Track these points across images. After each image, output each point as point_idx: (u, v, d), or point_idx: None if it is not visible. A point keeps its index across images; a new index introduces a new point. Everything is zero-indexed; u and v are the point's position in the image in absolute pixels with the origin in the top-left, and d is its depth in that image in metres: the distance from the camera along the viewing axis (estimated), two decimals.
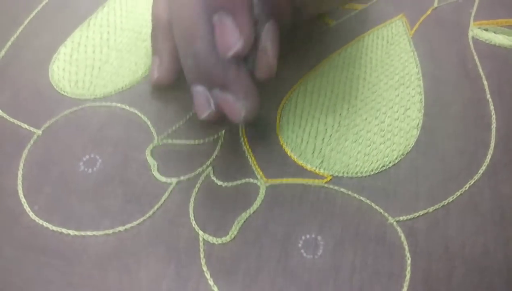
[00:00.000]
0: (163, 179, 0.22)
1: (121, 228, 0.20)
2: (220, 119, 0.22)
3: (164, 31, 0.22)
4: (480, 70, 0.27)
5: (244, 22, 0.18)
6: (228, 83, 0.19)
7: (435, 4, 0.31)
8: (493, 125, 0.25)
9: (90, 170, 0.22)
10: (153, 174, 0.22)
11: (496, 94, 0.26)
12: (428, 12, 0.30)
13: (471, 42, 0.29)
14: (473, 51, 0.28)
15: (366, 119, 0.25)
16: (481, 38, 0.29)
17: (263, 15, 0.20)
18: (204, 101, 0.21)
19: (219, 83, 0.20)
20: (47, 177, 0.22)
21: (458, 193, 0.22)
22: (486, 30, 0.29)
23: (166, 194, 0.22)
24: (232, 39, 0.18)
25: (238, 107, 0.20)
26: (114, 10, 0.30)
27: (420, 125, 0.25)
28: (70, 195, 0.21)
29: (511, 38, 0.29)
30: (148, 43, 0.28)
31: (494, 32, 0.29)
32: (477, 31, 0.29)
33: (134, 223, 0.21)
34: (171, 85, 0.24)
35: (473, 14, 0.30)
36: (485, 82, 0.27)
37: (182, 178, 0.22)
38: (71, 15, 0.29)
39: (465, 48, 0.28)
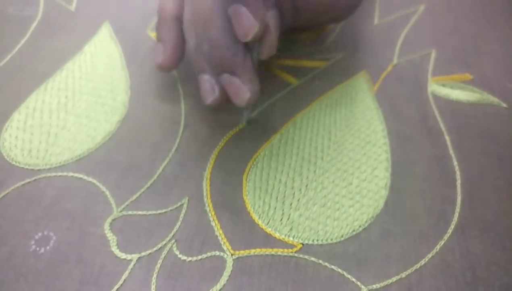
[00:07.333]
0: (123, 255, 0.21)
1: None
2: (222, 105, 0.25)
3: (170, 23, 0.25)
4: (441, 125, 0.28)
5: (257, 9, 0.21)
6: (236, 68, 0.23)
7: (395, 61, 0.32)
8: (458, 182, 0.25)
9: (42, 249, 0.21)
10: (112, 251, 0.21)
11: (458, 149, 0.26)
12: (389, 69, 0.31)
13: (431, 98, 0.29)
14: (433, 106, 0.29)
15: (333, 181, 0.24)
16: (440, 94, 0.30)
17: (269, 4, 0.23)
18: (209, 88, 0.24)
19: (228, 68, 0.23)
20: None
21: (430, 255, 0.22)
22: (444, 85, 0.30)
23: (127, 273, 0.20)
24: (249, 24, 0.21)
25: (244, 90, 0.23)
26: (73, 72, 0.29)
27: (388, 185, 0.24)
28: (18, 279, 0.20)
29: (467, 93, 0.30)
30: (107, 108, 0.27)
31: (451, 88, 0.30)
32: (435, 87, 0.30)
33: None
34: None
35: (430, 70, 0.31)
36: (447, 138, 0.27)
37: (143, 253, 0.21)
38: (27, 79, 0.28)
39: (426, 104, 0.29)
